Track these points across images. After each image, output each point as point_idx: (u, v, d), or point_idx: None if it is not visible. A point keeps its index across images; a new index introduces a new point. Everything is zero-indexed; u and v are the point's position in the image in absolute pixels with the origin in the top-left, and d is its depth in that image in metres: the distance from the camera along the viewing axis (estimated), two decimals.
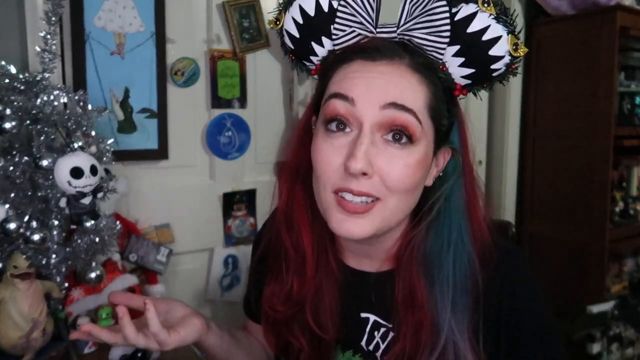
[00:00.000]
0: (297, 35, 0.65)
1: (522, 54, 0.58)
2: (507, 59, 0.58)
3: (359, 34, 0.62)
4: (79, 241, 1.05)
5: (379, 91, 0.57)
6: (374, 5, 0.60)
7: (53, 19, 1.04)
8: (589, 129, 2.05)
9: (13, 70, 1.02)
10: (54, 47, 1.05)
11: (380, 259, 0.70)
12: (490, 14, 0.56)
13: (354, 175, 0.57)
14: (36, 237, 0.97)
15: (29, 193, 1.03)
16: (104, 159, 1.10)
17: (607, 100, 1.99)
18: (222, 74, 1.56)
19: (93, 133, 1.09)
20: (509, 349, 0.64)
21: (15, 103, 0.99)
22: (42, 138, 1.02)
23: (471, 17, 0.57)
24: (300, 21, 0.64)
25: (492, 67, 0.59)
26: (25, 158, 1.02)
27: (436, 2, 0.57)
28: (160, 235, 1.47)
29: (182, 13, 1.49)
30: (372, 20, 0.61)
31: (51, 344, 0.92)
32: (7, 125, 0.96)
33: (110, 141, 1.12)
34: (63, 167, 0.98)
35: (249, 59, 1.61)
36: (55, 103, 1.03)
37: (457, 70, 0.61)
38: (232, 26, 1.54)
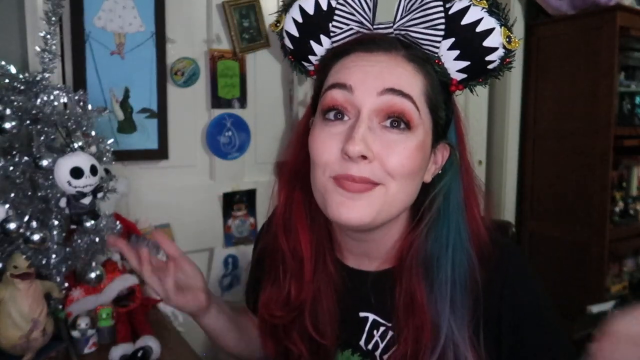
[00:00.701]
0: (296, 34, 0.66)
1: (515, 46, 0.59)
2: (501, 52, 0.59)
3: (357, 32, 0.63)
4: (79, 241, 1.05)
5: (376, 78, 0.58)
6: (371, 4, 0.62)
7: (53, 19, 1.04)
8: (589, 129, 2.05)
9: (13, 70, 1.02)
10: (54, 47, 1.05)
11: (379, 258, 0.70)
12: (483, 7, 0.58)
13: (353, 159, 0.57)
14: (36, 237, 0.97)
15: (29, 193, 1.03)
16: (104, 159, 1.10)
17: (607, 100, 1.99)
18: (222, 74, 1.56)
19: (93, 133, 1.09)
20: (511, 348, 0.64)
21: (15, 103, 0.99)
22: (42, 138, 1.02)
23: (465, 10, 0.58)
24: (300, 20, 0.65)
25: (487, 58, 0.60)
26: (25, 158, 1.02)
27: None
28: None
29: (182, 13, 1.49)
30: (370, 18, 0.62)
31: (51, 344, 0.92)
32: (7, 125, 0.96)
33: (110, 141, 1.12)
34: (63, 167, 0.98)
35: (249, 59, 1.62)
36: (55, 103, 1.03)
37: (452, 64, 0.62)
38: (232, 26, 1.54)
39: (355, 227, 0.62)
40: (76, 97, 1.06)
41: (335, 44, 0.65)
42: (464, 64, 0.61)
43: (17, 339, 0.85)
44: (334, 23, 0.63)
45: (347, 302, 0.71)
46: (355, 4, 0.62)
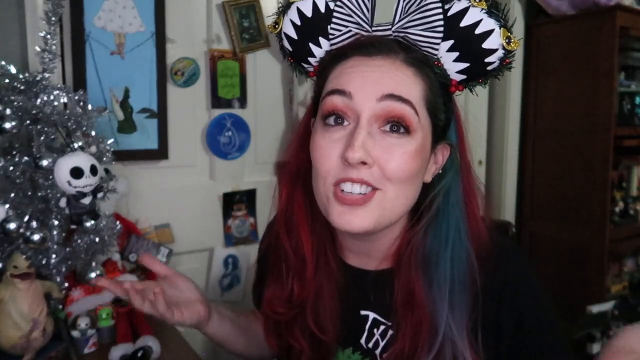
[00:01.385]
0: (295, 37, 0.67)
1: (515, 47, 0.59)
2: (500, 53, 0.59)
3: (355, 34, 0.63)
4: (79, 241, 1.05)
5: (375, 84, 0.59)
6: (369, 5, 0.62)
7: (53, 19, 1.04)
8: (589, 129, 2.05)
9: (13, 70, 1.02)
10: (54, 47, 1.05)
11: (379, 257, 0.70)
12: (482, 9, 0.57)
13: (353, 165, 0.58)
14: (36, 237, 0.97)
15: (29, 193, 1.03)
16: (104, 159, 1.10)
17: (607, 100, 1.99)
18: (222, 74, 1.56)
19: (93, 133, 1.09)
20: (510, 349, 0.64)
21: (15, 103, 0.99)
22: (42, 138, 1.02)
23: (463, 12, 0.58)
24: (298, 23, 0.65)
25: (487, 60, 0.60)
26: (25, 158, 1.02)
27: None
28: (160, 235, 1.47)
29: (182, 13, 1.49)
30: (368, 20, 0.62)
31: (51, 344, 0.92)
32: (7, 125, 0.96)
33: (110, 141, 1.12)
34: (63, 167, 0.98)
35: (249, 59, 1.62)
36: (55, 103, 1.03)
37: (452, 65, 0.62)
38: (232, 26, 1.54)
39: (356, 235, 0.63)
40: (76, 97, 1.06)
41: (334, 47, 0.65)
42: (463, 65, 0.61)
43: (17, 339, 0.85)
44: (332, 25, 0.63)
45: (349, 300, 0.72)
46: (354, 5, 0.62)
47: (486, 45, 0.59)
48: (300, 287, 0.71)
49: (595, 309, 1.95)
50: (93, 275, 1.06)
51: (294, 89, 1.71)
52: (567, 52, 2.12)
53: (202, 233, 1.58)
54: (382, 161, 0.59)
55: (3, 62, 1.02)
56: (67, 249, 1.05)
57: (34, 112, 1.01)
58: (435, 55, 0.61)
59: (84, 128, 1.07)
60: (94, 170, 1.00)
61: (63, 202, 1.02)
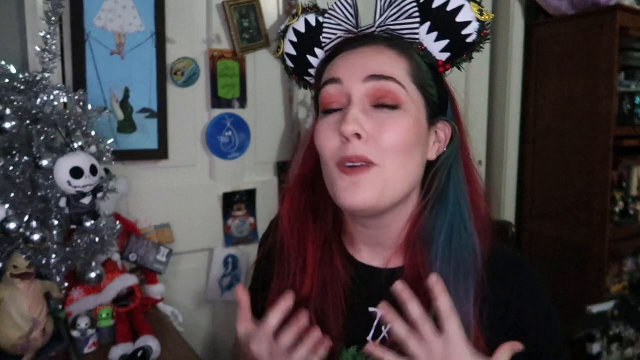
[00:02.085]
0: (294, 53, 0.75)
1: (488, 18, 0.65)
2: (476, 25, 0.65)
3: (345, 38, 0.70)
4: (79, 241, 1.05)
5: (359, 67, 0.65)
6: (353, 12, 0.70)
7: (53, 19, 1.04)
8: (589, 129, 2.05)
9: (13, 70, 1.02)
10: (54, 47, 1.05)
11: (390, 247, 0.72)
12: None
13: (348, 139, 0.62)
14: (36, 237, 0.97)
15: (29, 193, 1.03)
16: (104, 159, 1.10)
17: (607, 100, 1.99)
18: (222, 74, 1.56)
19: (93, 133, 1.09)
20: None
21: (15, 103, 0.99)
22: (42, 138, 1.02)
23: None
24: (295, 40, 0.74)
25: (464, 32, 0.65)
26: (25, 158, 1.02)
27: None
28: (160, 235, 1.47)
29: (182, 13, 1.49)
30: (354, 24, 0.70)
31: (51, 344, 0.92)
32: (7, 125, 0.96)
33: (110, 141, 1.12)
34: (63, 167, 0.98)
35: (249, 59, 1.62)
36: (55, 103, 1.03)
37: (434, 46, 0.67)
38: (232, 26, 1.54)
39: (361, 210, 0.65)
40: (76, 97, 1.06)
41: (327, 52, 0.72)
42: (444, 42, 0.67)
43: (17, 339, 0.85)
44: (324, 35, 0.71)
45: (356, 299, 0.72)
46: (339, 15, 0.70)
47: (459, 19, 0.65)
48: (303, 287, 0.72)
49: (595, 309, 1.95)
50: (93, 275, 1.06)
51: (293, 89, 1.71)
52: (567, 52, 2.12)
53: (202, 233, 1.58)
54: (376, 134, 0.62)
55: (3, 62, 1.02)
56: (67, 249, 1.05)
57: (34, 112, 1.01)
58: (417, 39, 0.67)
59: (84, 128, 1.07)
60: (94, 170, 1.00)
61: (63, 202, 1.02)
